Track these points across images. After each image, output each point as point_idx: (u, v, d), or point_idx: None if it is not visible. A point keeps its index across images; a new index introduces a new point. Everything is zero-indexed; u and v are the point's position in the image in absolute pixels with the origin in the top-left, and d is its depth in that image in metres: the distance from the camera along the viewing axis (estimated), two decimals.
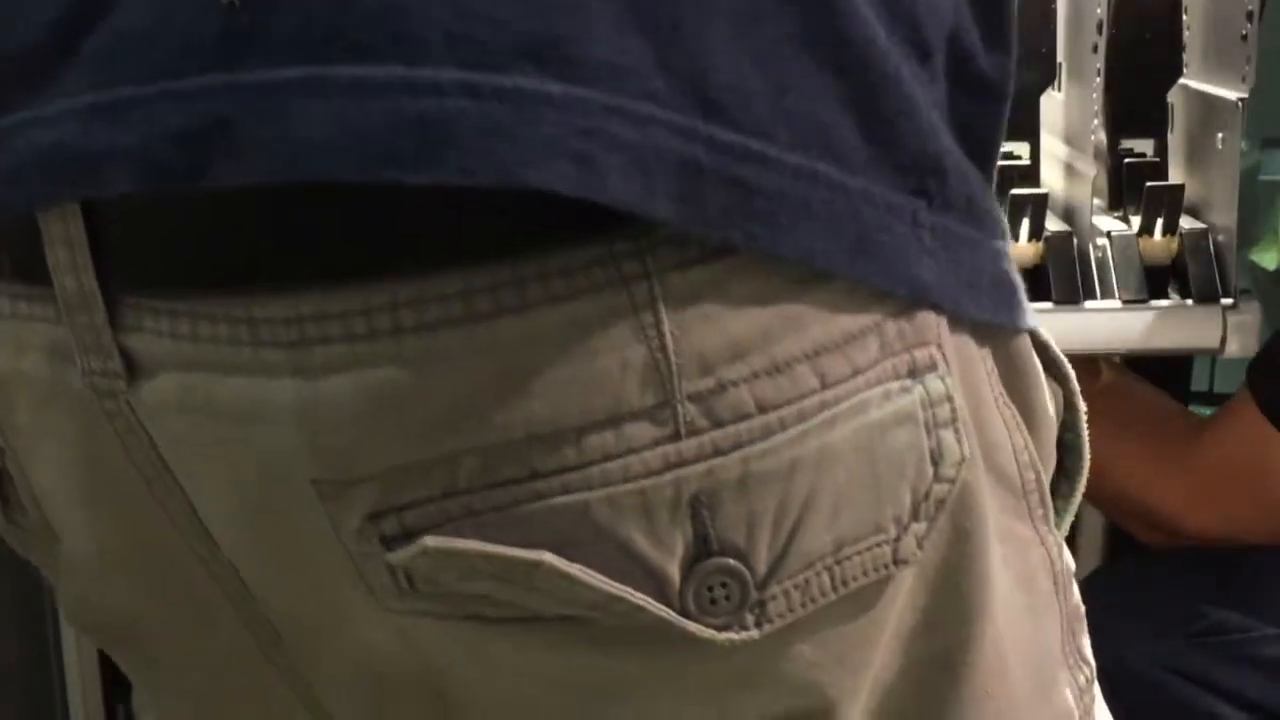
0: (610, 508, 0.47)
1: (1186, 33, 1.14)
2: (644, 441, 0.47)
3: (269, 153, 0.45)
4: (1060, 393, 0.61)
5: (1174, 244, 1.06)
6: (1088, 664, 0.64)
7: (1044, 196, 1.05)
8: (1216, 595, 1.13)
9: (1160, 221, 1.05)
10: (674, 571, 0.48)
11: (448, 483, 0.47)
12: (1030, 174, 1.13)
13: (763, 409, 0.48)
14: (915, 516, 0.51)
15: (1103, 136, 1.11)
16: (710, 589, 0.49)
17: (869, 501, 0.50)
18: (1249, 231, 1.48)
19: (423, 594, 0.50)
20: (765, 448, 0.48)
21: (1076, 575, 0.82)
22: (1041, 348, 0.59)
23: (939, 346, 0.52)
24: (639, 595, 0.48)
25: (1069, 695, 0.62)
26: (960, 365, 0.53)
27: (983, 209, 0.54)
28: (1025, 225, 1.04)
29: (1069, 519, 0.61)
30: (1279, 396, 1.05)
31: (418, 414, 0.47)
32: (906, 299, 0.50)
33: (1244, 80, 1.01)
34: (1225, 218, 1.05)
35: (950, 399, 0.51)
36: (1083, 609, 0.64)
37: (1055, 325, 1.05)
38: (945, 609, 0.54)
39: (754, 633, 0.50)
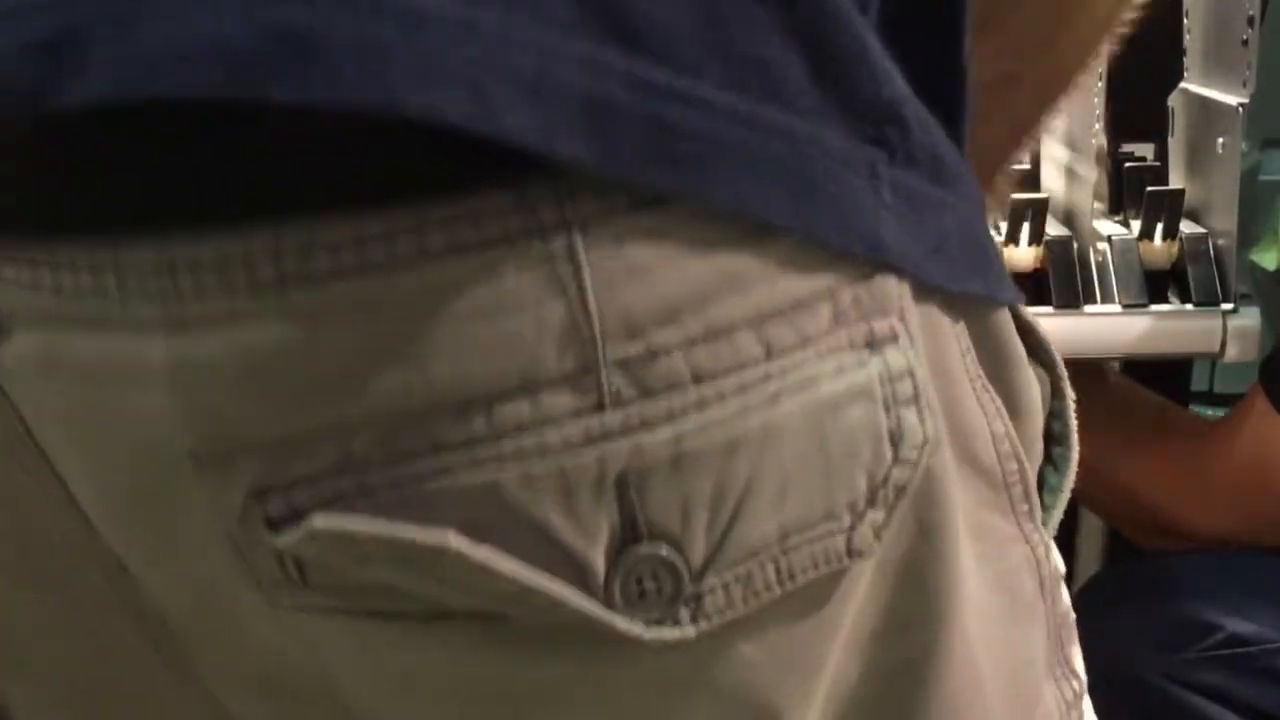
0: (525, 486, 0.42)
1: (1187, 37, 1.15)
2: (563, 412, 0.42)
3: (119, 65, 0.40)
4: (1047, 379, 0.57)
5: (1174, 248, 1.07)
6: (1077, 677, 0.60)
7: (1044, 201, 1.05)
8: (1232, 606, 1.11)
9: (1160, 226, 1.06)
10: (598, 559, 0.43)
11: (340, 457, 0.42)
12: (1031, 178, 1.14)
13: (699, 379, 0.43)
14: (872, 504, 0.46)
15: (1103, 141, 1.11)
16: (639, 580, 0.44)
17: (819, 486, 0.45)
18: (1249, 232, 1.43)
19: (315, 587, 0.45)
20: (701, 422, 0.43)
21: (1075, 579, 0.82)
22: (1025, 329, 0.56)
23: (901, 317, 0.47)
24: (558, 585, 0.43)
25: (1054, 710, 0.58)
26: (928, 341, 0.49)
27: (951, 169, 0.50)
28: (1026, 230, 1.05)
29: (1057, 515, 0.57)
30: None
31: (305, 377, 0.42)
32: (864, 262, 0.46)
33: (1245, 85, 1.02)
34: (1226, 222, 1.06)
35: (912, 374, 0.46)
36: (1073, 616, 0.60)
37: (1055, 330, 1.07)
38: (909, 611, 0.50)
39: (689, 630, 0.44)
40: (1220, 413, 1.24)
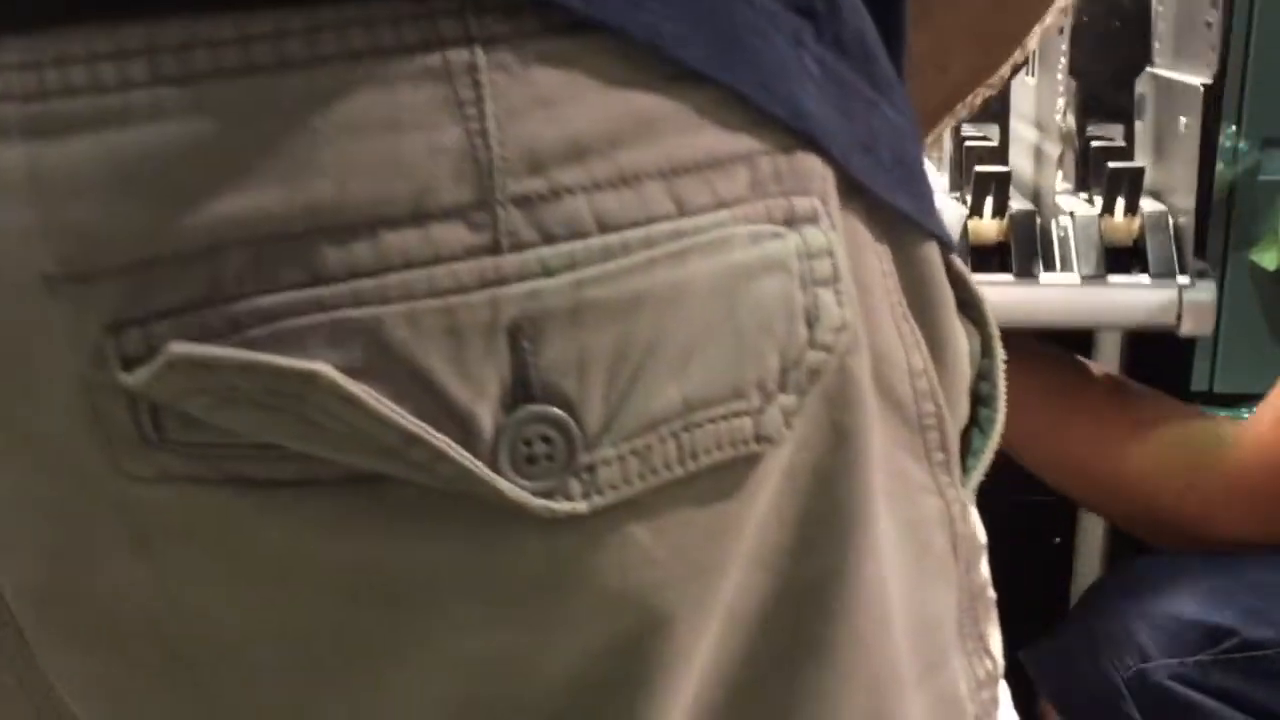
0: (409, 327, 0.40)
1: (1161, 25, 1.18)
2: (455, 250, 0.40)
3: None
4: (977, 336, 0.56)
5: (1135, 225, 1.10)
6: (991, 658, 0.57)
7: (1007, 174, 1.09)
8: (1246, 609, 1.11)
9: (1122, 202, 1.09)
10: (485, 416, 0.41)
11: (208, 285, 0.39)
12: (1000, 156, 1.17)
13: (604, 227, 0.41)
14: (783, 386, 0.44)
15: (1070, 120, 1.15)
16: (529, 443, 0.41)
17: (727, 357, 0.43)
18: (1249, 231, 1.43)
19: (172, 445, 0.41)
20: (604, 272, 0.41)
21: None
22: (959, 282, 0.54)
23: (824, 200, 0.45)
24: (438, 435, 0.40)
25: (961, 683, 0.55)
26: (850, 246, 0.47)
27: (885, 77, 0.48)
28: (990, 202, 1.08)
29: (977, 477, 0.55)
30: None
31: (175, 185, 0.39)
32: (786, 132, 0.44)
33: (1209, 66, 1.05)
34: (1186, 200, 1.09)
35: (832, 255, 0.45)
36: (992, 594, 0.58)
37: (1014, 299, 1.11)
38: (819, 524, 0.48)
39: (580, 504, 0.42)
40: (1221, 413, 1.25)
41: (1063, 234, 1.12)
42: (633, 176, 0.41)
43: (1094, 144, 1.17)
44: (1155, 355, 1.28)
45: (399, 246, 0.40)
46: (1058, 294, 1.10)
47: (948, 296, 0.52)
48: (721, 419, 0.43)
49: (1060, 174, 1.18)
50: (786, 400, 0.44)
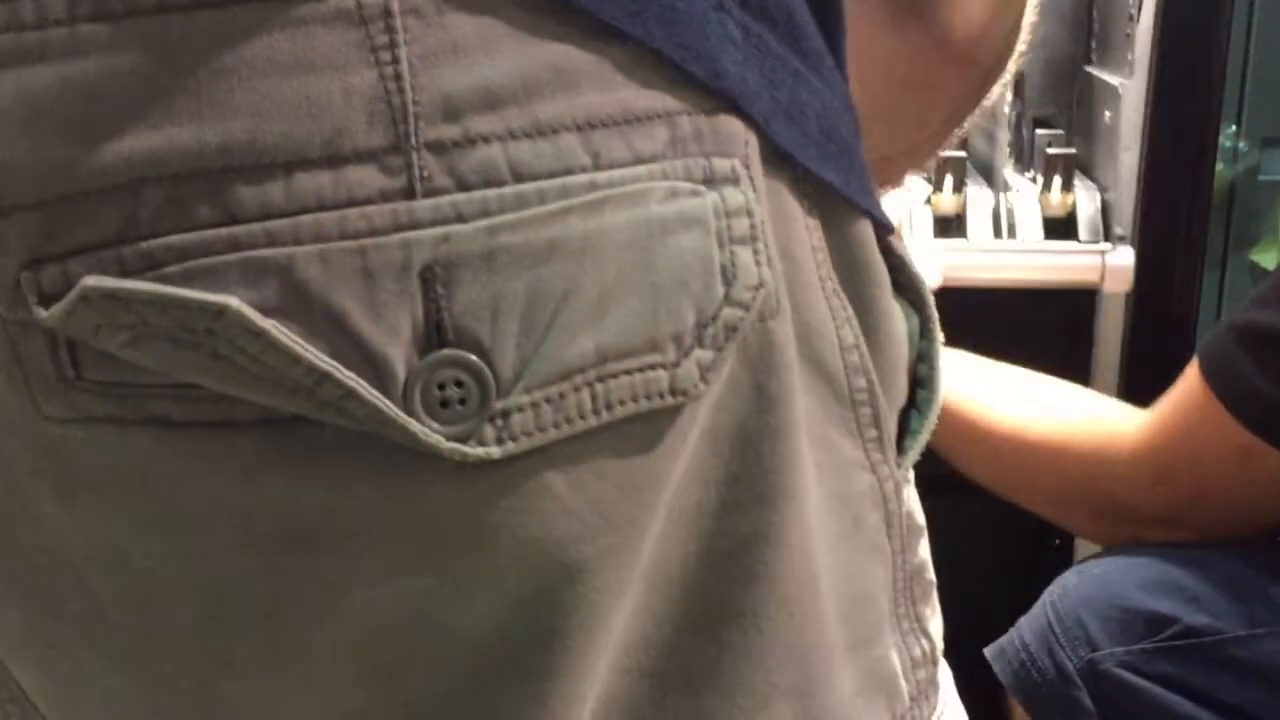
0: (321, 266, 0.39)
1: (1096, 28, 1.37)
2: (368, 193, 0.39)
3: None
4: (916, 318, 0.55)
5: (1069, 200, 1.28)
6: (929, 638, 0.56)
7: (963, 159, 1.28)
8: (1189, 599, 1.11)
9: (1058, 181, 1.28)
10: (398, 358, 0.40)
11: (124, 222, 0.39)
12: (961, 142, 1.36)
13: (519, 176, 0.40)
14: (699, 341, 0.43)
15: (1017, 112, 1.34)
16: (442, 386, 0.40)
17: (642, 310, 0.42)
18: (1249, 231, 1.45)
19: (90, 385, 0.40)
20: (518, 219, 0.40)
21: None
22: (896, 264, 0.53)
23: (745, 164, 0.45)
24: (347, 373, 0.39)
25: (895, 660, 0.54)
26: (776, 222, 0.46)
27: (814, 52, 0.47)
28: (949, 180, 1.27)
29: (912, 457, 0.54)
30: (1225, 372, 1.02)
31: (92, 121, 0.39)
32: (706, 94, 0.43)
33: (1127, 67, 1.24)
34: (1110, 180, 1.28)
35: (750, 214, 0.44)
36: (930, 575, 0.56)
37: (970, 260, 1.31)
38: (743, 487, 0.47)
39: (493, 450, 0.41)
40: None
41: (1009, 207, 1.29)
42: (548, 128, 0.41)
43: (1037, 132, 1.35)
44: (1157, 355, 1.32)
45: (312, 188, 0.39)
46: (1005, 257, 1.27)
47: (883, 277, 0.52)
48: (636, 370, 0.43)
49: (1008, 157, 1.35)
50: (702, 355, 0.44)
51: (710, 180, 0.43)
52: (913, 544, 0.55)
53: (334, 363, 0.39)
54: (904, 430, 0.54)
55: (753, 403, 0.46)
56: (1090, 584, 1.16)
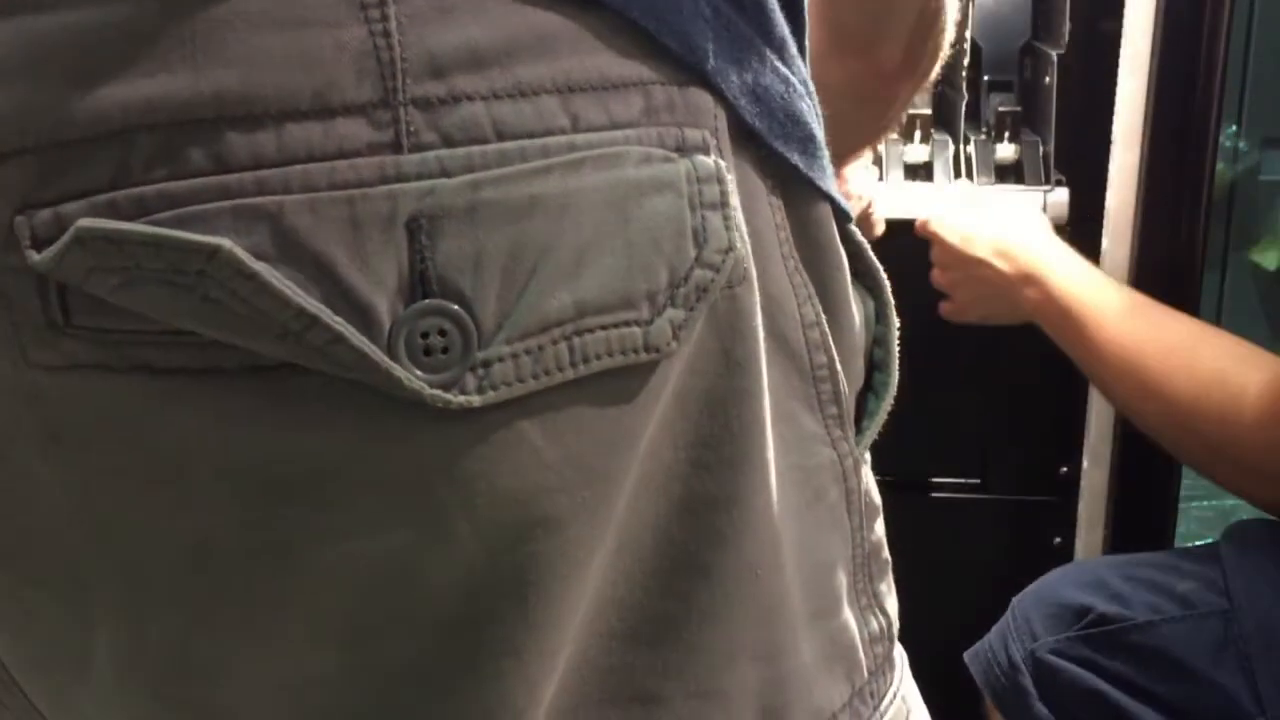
0: (311, 215, 0.39)
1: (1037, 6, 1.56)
2: (357, 145, 0.39)
3: None
4: (873, 304, 0.56)
5: (1016, 150, 1.47)
6: (885, 615, 0.57)
7: (929, 115, 1.49)
8: (1108, 592, 1.19)
9: (1007, 134, 1.48)
10: (383, 306, 0.40)
11: (118, 168, 0.39)
12: (925, 102, 1.56)
13: (501, 134, 0.41)
14: (672, 300, 0.44)
15: (968, 77, 1.53)
16: (426, 335, 0.40)
17: (618, 267, 0.42)
18: (1249, 231, 1.43)
19: (79, 331, 0.40)
20: (500, 175, 0.41)
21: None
22: (855, 252, 0.54)
23: (715, 135, 0.45)
24: (336, 318, 0.39)
25: (854, 633, 0.55)
26: (744, 193, 0.47)
27: (779, 35, 0.48)
28: (917, 133, 1.48)
29: (870, 436, 0.55)
30: None
31: (87, 72, 0.38)
32: (678, 67, 0.44)
33: (1061, 42, 1.43)
34: (1046, 134, 1.46)
35: (720, 182, 0.44)
36: (886, 555, 0.57)
37: (937, 200, 1.51)
38: (711, 448, 0.47)
39: (474, 398, 0.41)
40: None
41: (967, 155, 1.46)
42: (530, 89, 0.41)
43: (993, 95, 1.53)
44: None
45: (302, 139, 0.39)
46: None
47: (842, 260, 0.52)
48: (612, 326, 0.43)
49: (966, 115, 1.50)
50: (675, 314, 0.44)
51: (682, 148, 0.44)
52: (870, 522, 0.55)
53: (322, 307, 0.39)
54: (861, 412, 0.55)
55: (721, 367, 0.46)
56: (1040, 585, 1.24)
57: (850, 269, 0.53)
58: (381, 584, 0.43)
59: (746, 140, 0.47)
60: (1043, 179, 1.45)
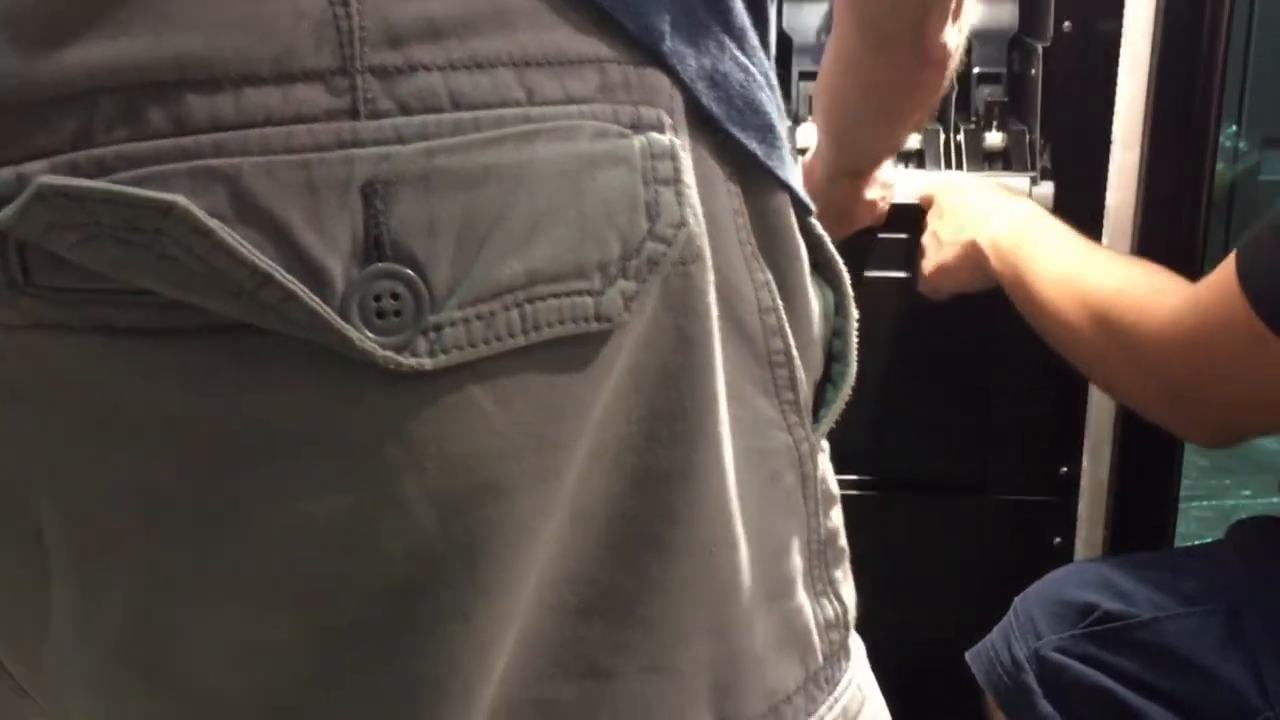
0: (267, 177, 0.39)
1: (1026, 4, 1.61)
2: (315, 111, 0.40)
3: None
4: (832, 296, 0.56)
5: (1004, 138, 1.50)
6: (841, 602, 0.57)
7: None
8: (1112, 590, 1.19)
9: (995, 123, 1.53)
10: (337, 269, 0.41)
11: (80, 129, 0.39)
12: None
13: (457, 104, 0.41)
14: (624, 272, 0.44)
15: (966, 68, 1.59)
16: (379, 298, 0.41)
17: (571, 237, 0.43)
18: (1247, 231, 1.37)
19: (39, 290, 0.41)
20: (455, 144, 0.41)
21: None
22: (815, 243, 0.54)
23: (670, 115, 0.45)
24: (289, 277, 0.40)
25: (808, 616, 0.55)
26: (701, 178, 0.47)
27: (739, 25, 0.48)
28: None
29: (827, 424, 0.56)
30: (1253, 262, 1.00)
31: (51, 34, 0.39)
32: (634, 46, 0.44)
33: (1046, 35, 1.48)
34: (1032, 124, 1.51)
35: (674, 159, 0.45)
36: (843, 543, 0.57)
37: (927, 184, 1.52)
38: (664, 422, 0.47)
39: (425, 361, 0.42)
40: None
41: (957, 143, 1.49)
42: (486, 62, 0.42)
43: (982, 86, 1.58)
44: None
45: (260, 103, 0.40)
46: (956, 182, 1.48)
47: (800, 250, 0.53)
48: (564, 295, 0.43)
49: (955, 104, 1.53)
50: (626, 285, 0.44)
51: (638, 126, 0.45)
52: (827, 509, 0.56)
53: (276, 266, 0.40)
54: (819, 401, 0.56)
55: (674, 342, 0.47)
56: (1043, 585, 1.24)
57: (810, 260, 0.54)
58: (331, 547, 0.43)
59: (704, 125, 0.48)
60: (1029, 165, 1.48)
